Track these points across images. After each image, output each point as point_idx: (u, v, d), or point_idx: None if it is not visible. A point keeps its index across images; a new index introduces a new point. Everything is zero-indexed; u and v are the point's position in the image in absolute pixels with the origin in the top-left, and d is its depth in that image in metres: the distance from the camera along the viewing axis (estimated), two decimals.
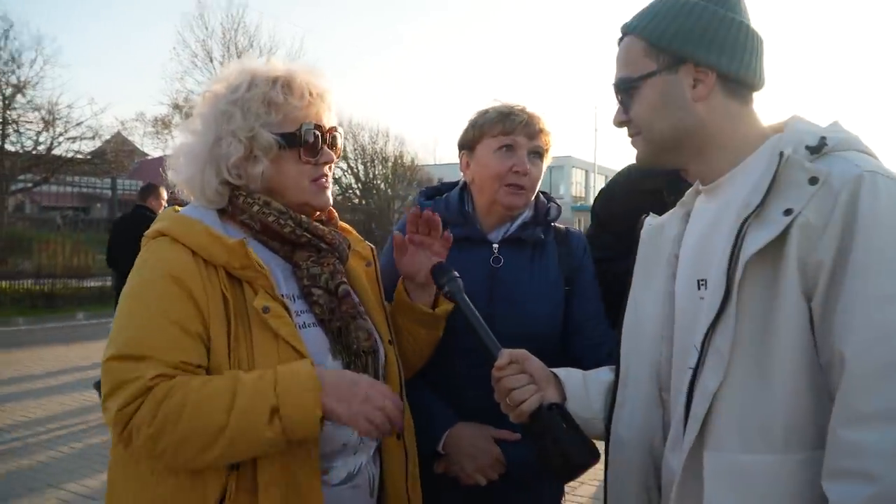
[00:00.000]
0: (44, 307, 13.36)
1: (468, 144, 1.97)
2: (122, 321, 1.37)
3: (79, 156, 20.92)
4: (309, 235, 1.53)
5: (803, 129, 1.25)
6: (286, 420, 1.28)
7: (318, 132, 1.52)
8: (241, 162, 1.48)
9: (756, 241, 1.16)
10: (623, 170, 2.33)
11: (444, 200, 1.99)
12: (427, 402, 1.85)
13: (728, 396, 1.18)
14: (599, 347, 1.88)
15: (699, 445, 1.21)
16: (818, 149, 1.18)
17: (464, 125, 2.00)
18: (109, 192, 17.84)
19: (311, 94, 1.52)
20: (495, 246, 1.94)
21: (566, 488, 2.04)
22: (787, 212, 1.14)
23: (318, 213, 1.60)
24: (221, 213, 1.52)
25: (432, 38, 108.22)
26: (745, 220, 1.19)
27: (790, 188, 1.15)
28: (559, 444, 1.38)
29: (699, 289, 1.31)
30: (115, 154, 26.06)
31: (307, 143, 1.50)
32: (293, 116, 1.50)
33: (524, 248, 1.96)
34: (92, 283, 14.65)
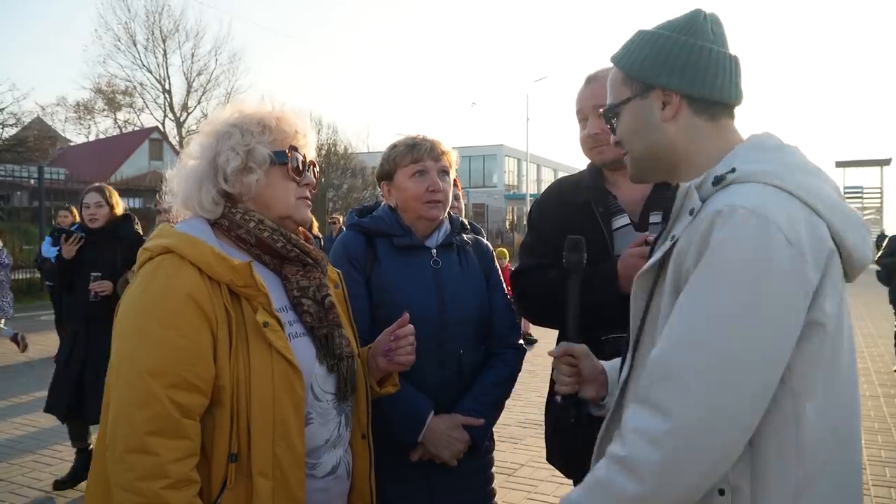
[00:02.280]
0: None
1: (387, 176, 2.33)
2: (143, 341, 1.48)
3: None
4: (297, 251, 1.71)
5: (737, 155, 1.38)
6: None
7: (302, 157, 1.73)
8: (238, 172, 1.65)
9: (651, 260, 1.40)
10: (555, 183, 2.53)
11: (381, 218, 2.33)
12: (405, 394, 2.10)
13: (632, 384, 1.44)
14: (513, 328, 2.41)
15: (613, 423, 1.47)
16: (720, 180, 1.32)
17: (380, 160, 2.37)
18: (29, 180, 17.35)
19: (297, 128, 1.74)
20: (434, 251, 2.31)
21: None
22: (672, 237, 1.35)
23: (299, 228, 1.78)
24: (216, 228, 1.66)
25: (363, 25, 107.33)
26: (656, 240, 1.44)
27: (680, 217, 1.37)
28: (557, 434, 1.75)
29: None
30: (38, 140, 25.17)
31: (295, 161, 1.70)
32: (282, 140, 1.70)
33: (452, 251, 2.36)
34: (19, 276, 14.24)
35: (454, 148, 2.37)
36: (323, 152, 30.59)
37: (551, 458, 2.39)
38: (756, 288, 1.20)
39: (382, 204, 2.41)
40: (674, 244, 1.33)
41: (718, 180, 1.32)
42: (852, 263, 1.33)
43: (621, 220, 2.20)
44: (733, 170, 1.32)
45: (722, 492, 1.25)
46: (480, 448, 2.29)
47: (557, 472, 5.15)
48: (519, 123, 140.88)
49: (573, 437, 1.74)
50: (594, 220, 2.18)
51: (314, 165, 1.79)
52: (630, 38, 1.52)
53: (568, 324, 1.77)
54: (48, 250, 9.19)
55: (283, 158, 1.69)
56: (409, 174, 2.26)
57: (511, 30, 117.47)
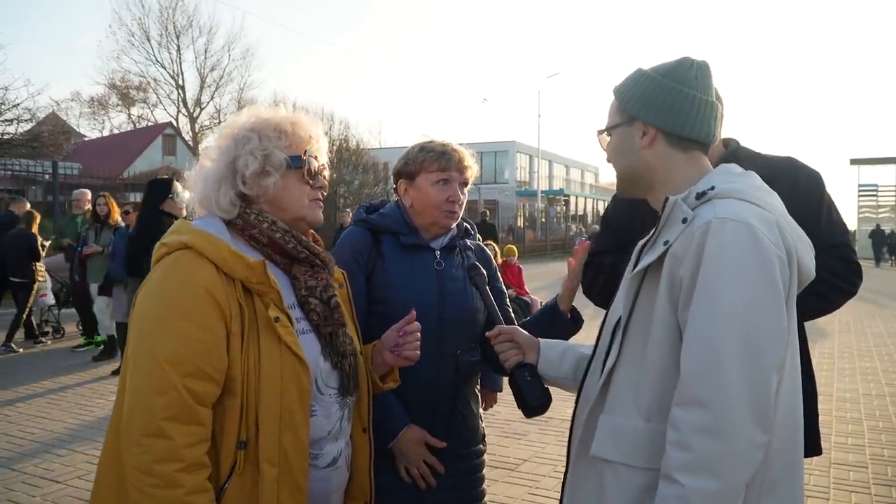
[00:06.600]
0: None
1: (409, 175, 2.37)
2: (162, 331, 1.56)
3: (15, 138, 20.41)
4: (307, 252, 1.79)
5: (712, 178, 1.60)
6: None
7: (316, 161, 1.82)
8: (255, 176, 1.74)
9: (644, 262, 1.57)
10: None
11: (388, 216, 2.39)
12: (386, 401, 2.18)
13: (619, 375, 1.59)
14: None
15: (598, 408, 1.63)
16: (702, 195, 1.54)
17: (402, 157, 2.41)
18: (43, 175, 17.56)
19: (311, 133, 1.83)
20: (437, 252, 2.38)
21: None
22: (665, 242, 1.53)
23: (310, 229, 1.86)
24: (231, 227, 1.74)
25: (376, 22, 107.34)
26: (643, 246, 1.62)
27: (671, 225, 1.54)
28: (520, 392, 1.95)
29: None
30: (52, 135, 25.43)
31: (309, 166, 1.79)
32: (297, 144, 1.79)
33: (455, 254, 2.43)
34: None
35: (466, 144, 2.42)
36: (335, 148, 30.64)
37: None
38: (757, 279, 1.42)
39: (391, 202, 2.46)
40: (667, 248, 1.51)
41: (700, 195, 1.53)
42: (801, 273, 1.53)
43: None
44: (713, 188, 1.53)
45: None
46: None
47: (560, 469, 5.23)
48: (530, 120, 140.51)
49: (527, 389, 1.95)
50: (655, 223, 2.25)
51: (325, 168, 1.88)
52: (629, 73, 1.74)
53: (492, 313, 2.15)
54: None
55: (299, 162, 1.78)
56: (433, 180, 2.31)
57: (523, 26, 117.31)
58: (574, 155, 61.92)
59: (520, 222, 40.74)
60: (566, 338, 2.31)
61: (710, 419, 1.37)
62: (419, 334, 1.98)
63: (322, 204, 1.87)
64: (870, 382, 8.09)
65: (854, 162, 43.33)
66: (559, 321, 2.35)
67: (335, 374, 1.81)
